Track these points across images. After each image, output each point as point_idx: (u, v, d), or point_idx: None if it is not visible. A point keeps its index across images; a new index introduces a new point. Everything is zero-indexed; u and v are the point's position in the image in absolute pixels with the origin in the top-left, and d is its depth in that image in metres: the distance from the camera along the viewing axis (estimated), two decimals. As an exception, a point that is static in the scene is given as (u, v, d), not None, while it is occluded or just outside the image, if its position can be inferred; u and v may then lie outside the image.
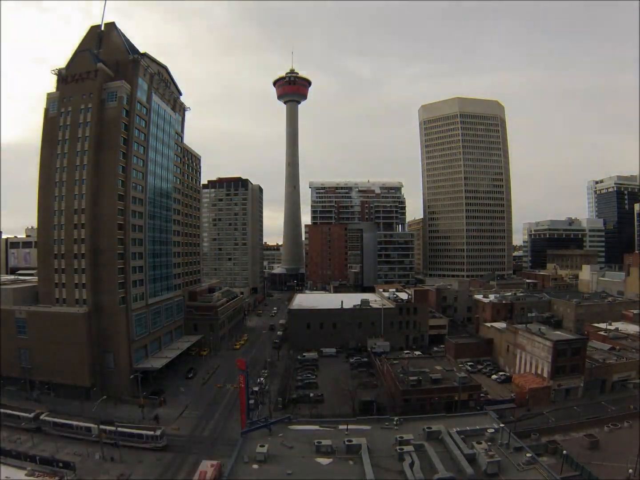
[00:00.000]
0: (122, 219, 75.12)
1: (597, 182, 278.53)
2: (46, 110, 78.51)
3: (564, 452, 46.50)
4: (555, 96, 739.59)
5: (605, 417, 59.54)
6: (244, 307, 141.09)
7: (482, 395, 66.77)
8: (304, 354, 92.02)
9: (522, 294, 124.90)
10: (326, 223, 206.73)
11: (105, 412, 60.70)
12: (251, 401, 56.53)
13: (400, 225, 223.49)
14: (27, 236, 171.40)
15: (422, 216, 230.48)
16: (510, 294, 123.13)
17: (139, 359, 78.62)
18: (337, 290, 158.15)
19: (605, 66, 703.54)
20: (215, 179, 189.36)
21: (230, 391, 75.69)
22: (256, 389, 63.97)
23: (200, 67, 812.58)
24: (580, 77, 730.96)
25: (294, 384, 76.10)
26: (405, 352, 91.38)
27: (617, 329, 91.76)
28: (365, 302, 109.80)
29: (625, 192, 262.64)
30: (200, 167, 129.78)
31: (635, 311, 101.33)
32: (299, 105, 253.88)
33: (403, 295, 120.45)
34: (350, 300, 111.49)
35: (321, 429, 43.52)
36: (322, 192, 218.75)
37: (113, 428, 53.68)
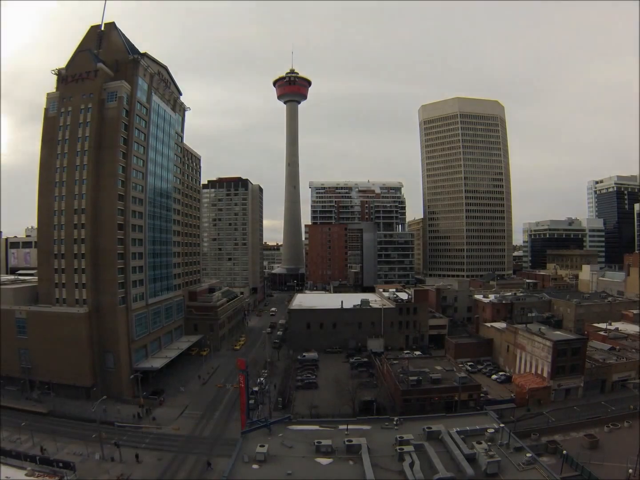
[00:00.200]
0: (122, 219, 75.17)
1: (597, 182, 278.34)
2: (46, 110, 78.55)
3: (564, 452, 46.52)
4: (556, 96, 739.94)
5: (605, 417, 59.56)
6: (244, 307, 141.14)
7: (482, 395, 66.72)
8: (304, 354, 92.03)
9: (522, 294, 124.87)
10: (326, 223, 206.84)
11: (105, 412, 60.72)
12: (251, 401, 56.53)
13: (400, 225, 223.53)
14: (27, 236, 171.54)
15: (422, 216, 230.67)
16: (510, 294, 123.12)
17: (139, 359, 78.70)
18: (337, 290, 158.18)
19: (605, 66, 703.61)
20: (215, 179, 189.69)
21: (230, 391, 75.73)
22: (256, 389, 63.91)
23: (201, 66, 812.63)
24: (580, 77, 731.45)
25: (294, 384, 76.15)
26: (405, 352, 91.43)
27: (617, 329, 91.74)
28: (365, 302, 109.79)
29: (625, 192, 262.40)
30: (200, 167, 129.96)
31: (635, 311, 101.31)
32: (299, 105, 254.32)
33: (403, 295, 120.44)
34: (350, 300, 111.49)
35: (321, 429, 43.49)
36: (322, 192, 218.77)
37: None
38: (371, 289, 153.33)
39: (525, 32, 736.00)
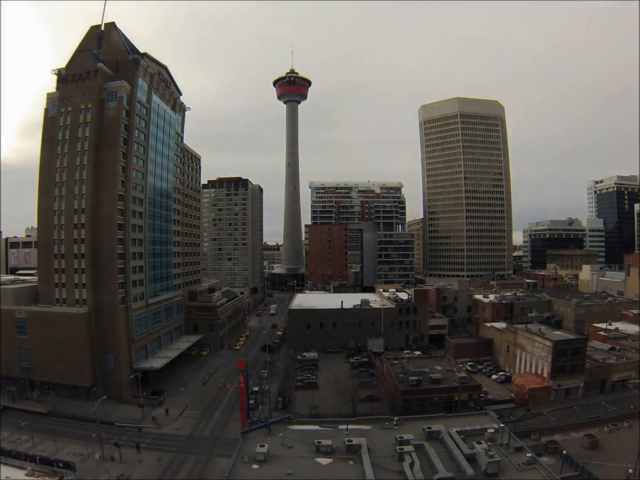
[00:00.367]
0: (122, 219, 75.11)
1: (597, 182, 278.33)
2: (46, 110, 78.50)
3: (564, 452, 46.50)
4: (556, 96, 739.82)
5: (605, 417, 59.55)
6: (244, 307, 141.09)
7: (482, 395, 66.68)
8: (304, 354, 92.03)
9: (522, 294, 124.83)
10: (326, 223, 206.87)
11: (105, 412, 60.70)
12: (251, 401, 56.53)
13: (400, 225, 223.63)
14: (27, 236, 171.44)
15: (422, 216, 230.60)
16: (510, 294, 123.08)
17: (139, 359, 78.65)
18: (337, 290, 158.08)
19: (605, 66, 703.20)
20: (215, 179, 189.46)
21: (230, 391, 75.73)
22: (256, 389, 63.95)
23: (201, 66, 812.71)
24: (580, 77, 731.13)
25: (294, 384, 76.14)
26: (405, 352, 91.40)
27: (617, 329, 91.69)
28: (365, 302, 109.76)
29: (625, 192, 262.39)
30: (200, 167, 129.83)
31: (635, 311, 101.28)
32: (299, 105, 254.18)
33: (403, 295, 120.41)
34: (350, 300, 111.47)
35: (321, 429, 43.45)
36: (322, 192, 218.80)
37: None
38: (371, 289, 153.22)
39: (525, 32, 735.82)
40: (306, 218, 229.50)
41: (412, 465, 34.51)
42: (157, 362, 79.57)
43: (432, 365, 73.67)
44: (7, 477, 42.39)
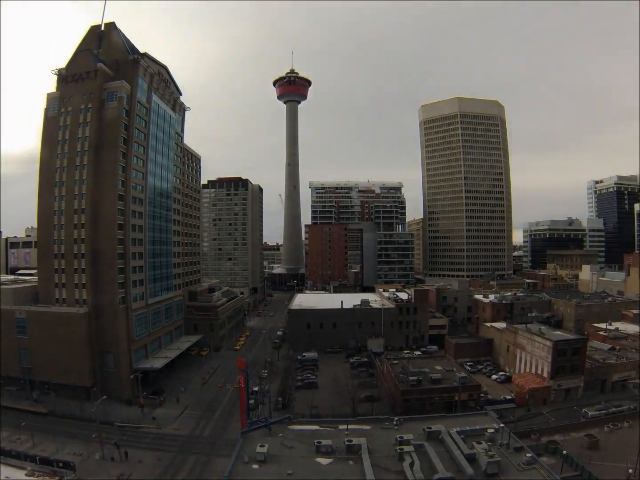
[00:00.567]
0: (122, 219, 75.06)
1: (597, 182, 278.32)
2: (46, 110, 78.44)
3: (564, 452, 46.47)
4: (556, 96, 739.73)
5: (605, 417, 59.50)
6: (244, 307, 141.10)
7: (482, 395, 66.70)
8: (304, 354, 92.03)
9: (522, 294, 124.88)
10: (326, 223, 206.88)
11: (105, 412, 60.70)
12: (251, 401, 56.50)
13: (400, 225, 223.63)
14: (27, 236, 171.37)
15: (422, 216, 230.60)
16: (510, 294, 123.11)
17: (139, 359, 78.59)
18: (337, 290, 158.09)
19: (605, 66, 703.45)
20: (215, 179, 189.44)
21: (230, 391, 75.71)
22: (256, 389, 63.90)
23: (201, 67, 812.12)
24: (580, 77, 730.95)
25: (294, 384, 76.14)
26: (405, 352, 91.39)
27: (617, 329, 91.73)
28: (365, 302, 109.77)
29: (625, 192, 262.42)
30: (200, 167, 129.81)
31: (635, 311, 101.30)
32: (299, 105, 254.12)
33: (403, 295, 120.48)
34: (350, 300, 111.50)
35: (321, 429, 43.48)
36: (322, 192, 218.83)
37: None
38: (371, 289, 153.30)
39: (525, 32, 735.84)
40: (306, 218, 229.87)
41: (412, 465, 34.53)
42: (157, 362, 79.53)
43: (432, 365, 73.74)
44: (7, 477, 42.37)
